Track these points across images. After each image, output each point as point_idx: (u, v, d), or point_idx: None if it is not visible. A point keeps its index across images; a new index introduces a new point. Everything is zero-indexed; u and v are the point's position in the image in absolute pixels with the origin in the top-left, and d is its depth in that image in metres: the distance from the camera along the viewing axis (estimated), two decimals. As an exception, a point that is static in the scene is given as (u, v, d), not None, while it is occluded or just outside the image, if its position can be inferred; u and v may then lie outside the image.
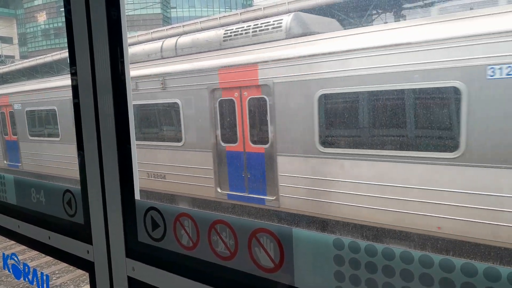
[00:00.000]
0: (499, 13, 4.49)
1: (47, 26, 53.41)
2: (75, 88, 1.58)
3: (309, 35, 6.04)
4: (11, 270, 2.10)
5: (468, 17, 4.70)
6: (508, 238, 4.29)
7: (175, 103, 7.11)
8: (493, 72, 4.19)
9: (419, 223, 4.86)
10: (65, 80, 9.96)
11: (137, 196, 1.45)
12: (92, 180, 1.55)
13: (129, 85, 1.45)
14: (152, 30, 14.93)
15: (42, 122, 10.89)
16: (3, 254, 2.17)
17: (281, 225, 1.06)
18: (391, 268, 0.87)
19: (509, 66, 4.07)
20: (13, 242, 6.58)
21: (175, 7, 58.28)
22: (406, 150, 4.93)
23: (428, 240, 4.90)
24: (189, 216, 1.27)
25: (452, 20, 4.76)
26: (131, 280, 1.44)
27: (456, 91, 4.47)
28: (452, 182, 4.60)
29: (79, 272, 6.57)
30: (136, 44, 9.01)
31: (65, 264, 6.72)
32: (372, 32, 5.51)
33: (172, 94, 7.10)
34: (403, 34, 4.97)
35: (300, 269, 1.02)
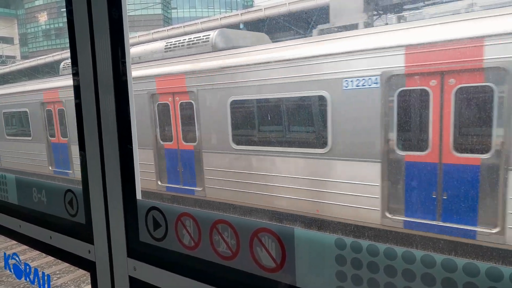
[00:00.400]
0: (355, 35, 5.60)
1: (48, 27, 53.49)
2: (76, 88, 1.58)
3: (232, 48, 7.06)
4: (12, 269, 2.10)
5: (335, 38, 5.76)
6: (366, 218, 5.40)
7: None
8: (347, 84, 5.26)
9: (303, 206, 5.93)
10: (36, 85, 11.06)
11: (138, 196, 1.45)
12: (93, 180, 1.55)
13: (131, 85, 1.45)
14: (153, 31, 14.95)
15: (16, 122, 11.96)
16: (5, 253, 2.18)
17: (283, 225, 1.06)
18: (393, 268, 0.87)
19: (357, 79, 5.19)
20: (14, 242, 6.59)
21: (175, 8, 58.36)
22: (293, 147, 6.09)
23: (313, 221, 5.99)
24: (191, 216, 1.27)
25: (324, 40, 5.87)
26: (132, 280, 1.45)
27: (322, 98, 5.58)
28: (324, 172, 5.68)
29: (80, 272, 6.57)
30: (136, 44, 9.34)
31: (66, 265, 6.73)
32: (274, 48, 6.52)
33: None
34: (292, 51, 6.01)
35: (302, 269, 1.02)
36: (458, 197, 4.75)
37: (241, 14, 14.45)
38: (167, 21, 54.30)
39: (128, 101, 1.45)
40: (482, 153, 4.61)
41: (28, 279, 2.00)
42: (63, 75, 10.44)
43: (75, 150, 9.83)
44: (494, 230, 4.58)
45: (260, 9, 13.60)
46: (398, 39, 4.95)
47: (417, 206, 5.02)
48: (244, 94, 6.42)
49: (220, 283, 1.21)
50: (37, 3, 54.35)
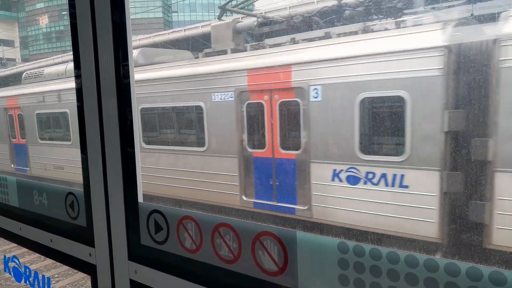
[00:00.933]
0: (219, 60, 7.15)
1: (48, 30, 53.60)
2: (79, 91, 1.59)
3: (150, 64, 8.56)
4: (12, 272, 2.10)
5: (207, 62, 7.32)
6: (231, 201, 6.85)
7: (66, 112, 9.72)
8: (214, 97, 6.91)
9: (189, 193, 7.35)
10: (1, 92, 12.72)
11: (140, 199, 1.45)
12: (95, 183, 1.55)
13: (133, 89, 1.46)
14: (154, 34, 14.99)
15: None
16: (4, 256, 2.17)
17: (285, 228, 1.06)
18: (396, 272, 0.87)
19: (220, 94, 6.82)
20: (13, 245, 6.57)
21: (176, 12, 58.55)
22: (183, 146, 7.62)
23: (198, 205, 7.36)
24: (193, 219, 1.27)
25: (202, 62, 7.47)
26: (133, 283, 1.44)
27: (200, 108, 7.13)
28: (203, 166, 7.17)
29: (79, 276, 6.55)
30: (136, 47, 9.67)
31: (65, 268, 6.71)
32: (171, 67, 8.13)
33: (64, 105, 9.75)
34: (182, 69, 7.66)
35: (304, 272, 1.02)
36: (285, 183, 6.28)
37: (241, 18, 14.43)
38: (167, 24, 54.45)
39: (131, 104, 1.45)
40: (296, 150, 6.06)
41: (28, 282, 2.00)
42: (24, 84, 11.77)
43: (32, 149, 11.08)
44: (305, 207, 5.99)
45: (261, 13, 13.60)
46: (243, 65, 6.63)
47: (262, 190, 6.58)
48: (149, 103, 8.09)
49: (222, 286, 1.21)
50: (38, 6, 54.51)
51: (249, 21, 8.28)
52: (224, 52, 7.54)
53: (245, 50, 7.44)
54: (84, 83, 1.55)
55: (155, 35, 15.29)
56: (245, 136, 6.61)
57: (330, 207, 5.71)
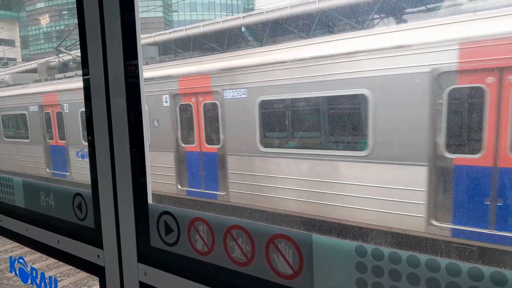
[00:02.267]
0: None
1: (49, 29, 53.54)
2: (87, 90, 1.57)
3: (17, 85, 12.66)
4: (18, 273, 2.08)
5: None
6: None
7: None
8: (31, 108, 11.74)
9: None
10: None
11: (150, 200, 1.43)
12: (103, 184, 1.53)
13: (143, 88, 1.44)
14: (154, 34, 14.97)
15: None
16: (10, 257, 2.16)
17: (300, 231, 1.04)
18: (416, 276, 0.86)
19: (32, 107, 11.80)
20: (15, 244, 6.56)
21: (176, 11, 58.55)
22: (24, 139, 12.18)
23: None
24: (204, 220, 1.26)
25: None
26: (143, 285, 1.43)
27: (24, 115, 12.13)
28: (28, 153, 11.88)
29: (81, 275, 6.54)
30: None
31: (67, 268, 6.70)
32: (15, 88, 12.76)
33: None
34: (16, 91, 12.61)
35: (320, 276, 1.01)
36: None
37: (243, 17, 14.39)
38: (168, 24, 54.40)
39: (140, 104, 1.43)
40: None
41: (34, 283, 1.98)
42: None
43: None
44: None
45: (262, 12, 13.56)
46: (41, 89, 11.40)
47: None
48: (7, 111, 12.53)
49: (234, 289, 1.19)
50: (38, 5, 54.47)
51: (57, 61, 12.83)
52: (41, 80, 12.08)
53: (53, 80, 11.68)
54: (92, 82, 1.53)
55: (156, 35, 15.26)
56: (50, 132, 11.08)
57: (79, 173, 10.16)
